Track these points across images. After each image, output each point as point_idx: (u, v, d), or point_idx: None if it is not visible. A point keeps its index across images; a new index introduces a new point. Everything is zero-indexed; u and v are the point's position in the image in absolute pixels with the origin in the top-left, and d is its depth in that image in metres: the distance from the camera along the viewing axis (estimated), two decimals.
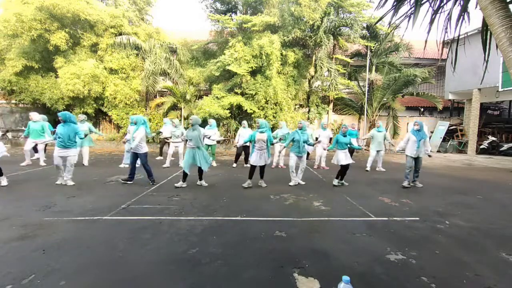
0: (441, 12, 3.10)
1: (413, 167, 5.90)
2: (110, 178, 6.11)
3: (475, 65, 10.78)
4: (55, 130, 5.59)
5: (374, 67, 13.68)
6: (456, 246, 3.07)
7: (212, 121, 8.19)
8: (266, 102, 11.95)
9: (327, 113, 14.49)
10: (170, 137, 7.77)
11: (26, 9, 10.83)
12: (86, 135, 6.99)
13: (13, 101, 13.27)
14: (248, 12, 13.10)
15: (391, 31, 11.77)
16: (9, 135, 8.02)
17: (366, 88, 13.49)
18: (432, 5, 3.12)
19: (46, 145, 8.06)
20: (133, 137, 5.49)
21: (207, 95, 12.60)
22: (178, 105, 13.10)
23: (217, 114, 11.25)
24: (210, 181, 5.86)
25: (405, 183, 5.90)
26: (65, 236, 3.09)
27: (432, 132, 15.04)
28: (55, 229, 3.28)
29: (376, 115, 13.92)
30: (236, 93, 12.08)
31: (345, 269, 2.50)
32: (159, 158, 8.92)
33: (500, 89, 11.47)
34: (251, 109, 11.63)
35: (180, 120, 12.94)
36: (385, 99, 13.46)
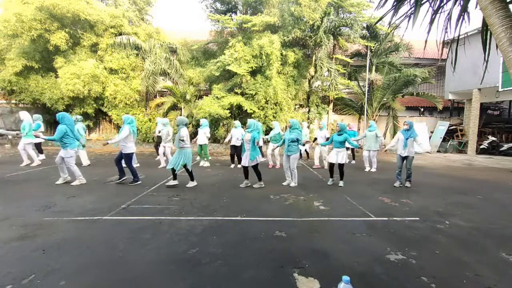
0: (441, 12, 3.10)
1: (401, 166, 5.90)
2: (110, 178, 6.11)
3: (475, 65, 10.78)
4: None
5: (374, 67, 13.69)
6: (456, 246, 3.06)
7: (202, 121, 8.19)
8: (266, 102, 11.95)
9: (327, 113, 14.50)
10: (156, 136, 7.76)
11: (26, 9, 10.84)
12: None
13: (13, 101, 13.29)
14: (248, 12, 13.10)
15: (391, 31, 11.77)
16: (9, 135, 8.00)
17: (366, 88, 13.49)
18: (432, 5, 3.12)
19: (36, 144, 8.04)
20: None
21: (207, 95, 12.61)
22: (178, 105, 13.11)
23: (217, 114, 11.25)
24: (210, 181, 5.86)
25: (396, 184, 5.94)
26: (65, 236, 3.09)
27: (432, 132, 15.04)
28: (55, 229, 3.28)
29: (376, 115, 13.92)
30: (236, 93, 12.09)
31: (345, 269, 2.50)
32: (158, 158, 8.92)
33: (500, 89, 11.46)
34: (251, 109, 11.63)
35: None
36: (385, 99, 13.46)
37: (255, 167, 5.49)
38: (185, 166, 5.44)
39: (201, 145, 7.91)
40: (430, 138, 14.87)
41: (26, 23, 10.80)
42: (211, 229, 3.39)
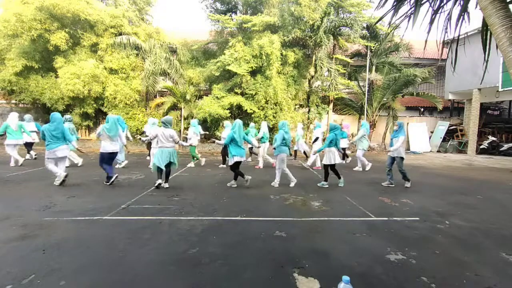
0: (441, 12, 3.10)
1: (390, 166, 5.91)
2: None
3: (475, 65, 10.77)
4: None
5: (374, 67, 13.69)
6: (456, 246, 3.06)
7: (192, 121, 8.21)
8: (266, 102, 11.95)
9: (327, 113, 14.49)
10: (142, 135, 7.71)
11: (26, 9, 10.84)
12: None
13: (13, 101, 13.29)
14: (248, 12, 13.11)
15: (391, 31, 11.77)
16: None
17: (366, 88, 13.49)
18: (432, 5, 3.12)
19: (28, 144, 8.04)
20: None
21: (207, 95, 12.61)
22: (178, 105, 13.10)
23: (217, 114, 11.26)
24: (210, 181, 5.86)
25: (384, 183, 6.00)
26: (65, 236, 3.09)
27: (432, 132, 15.05)
28: (55, 229, 3.28)
29: (376, 115, 13.93)
30: (236, 93, 12.09)
31: (345, 269, 2.50)
32: (148, 158, 8.86)
33: (500, 89, 11.46)
34: (251, 109, 11.63)
35: (180, 120, 12.96)
36: (385, 99, 13.46)
37: (231, 166, 5.51)
38: (169, 165, 5.38)
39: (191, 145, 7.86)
40: (430, 138, 14.88)
41: (26, 23, 10.80)
42: (211, 229, 3.39)
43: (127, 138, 7.91)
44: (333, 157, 5.68)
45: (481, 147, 13.31)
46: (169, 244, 2.94)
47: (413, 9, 3.11)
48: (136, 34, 12.79)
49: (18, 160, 7.41)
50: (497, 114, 16.69)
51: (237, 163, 5.49)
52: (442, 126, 14.57)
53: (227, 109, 11.52)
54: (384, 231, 3.42)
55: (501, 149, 13.11)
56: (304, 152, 9.30)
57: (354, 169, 7.97)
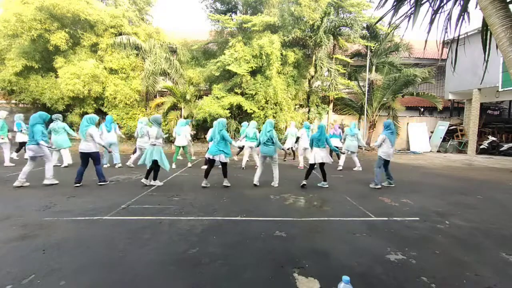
0: (441, 12, 3.10)
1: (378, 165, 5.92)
2: (110, 178, 6.11)
3: (475, 65, 10.78)
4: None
5: (374, 67, 13.69)
6: (456, 246, 3.06)
7: (180, 121, 8.26)
8: (266, 102, 11.95)
9: (327, 113, 14.50)
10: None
11: (26, 9, 10.83)
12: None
13: (13, 101, 13.28)
14: (248, 12, 13.10)
15: (391, 31, 11.78)
16: (9, 135, 8.00)
17: (366, 88, 13.49)
18: (432, 5, 3.12)
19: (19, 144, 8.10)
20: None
21: (207, 95, 12.61)
22: (178, 105, 13.10)
23: (217, 114, 11.25)
24: (210, 181, 5.84)
25: (384, 183, 6.00)
26: (65, 236, 3.09)
27: (432, 132, 15.05)
28: (55, 229, 3.28)
29: (376, 115, 13.92)
30: (236, 93, 12.08)
31: (345, 269, 2.50)
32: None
33: (500, 89, 11.46)
34: (251, 109, 11.63)
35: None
36: (385, 99, 13.46)
37: (223, 165, 5.53)
38: (156, 163, 5.43)
39: (179, 146, 7.84)
40: (430, 138, 14.88)
41: (26, 23, 10.80)
42: (211, 229, 3.39)
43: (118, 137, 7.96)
44: (317, 157, 5.58)
45: (481, 147, 13.31)
46: (169, 244, 2.94)
47: (413, 9, 3.11)
48: (136, 34, 12.79)
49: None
50: (497, 114, 16.69)
51: (210, 161, 5.47)
52: (442, 126, 14.57)
53: (227, 109, 11.52)
54: (384, 231, 3.42)
55: (501, 149, 13.11)
56: (293, 151, 9.33)
57: (354, 169, 7.97)
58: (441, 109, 14.03)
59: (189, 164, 8.04)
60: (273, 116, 12.13)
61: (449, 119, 15.72)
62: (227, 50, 11.63)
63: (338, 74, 13.22)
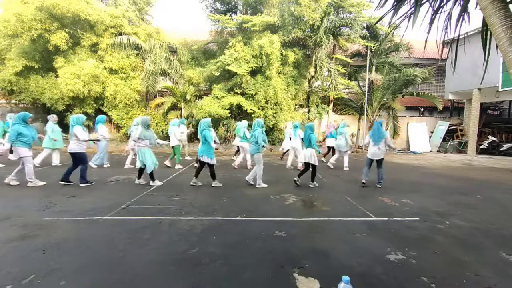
0: (441, 12, 3.10)
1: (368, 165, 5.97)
2: (110, 178, 6.11)
3: (475, 65, 10.77)
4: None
5: (374, 67, 13.68)
6: (456, 246, 3.06)
7: (172, 121, 8.26)
8: (266, 102, 11.94)
9: (327, 113, 14.50)
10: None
11: (26, 9, 10.84)
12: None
13: (13, 101, 13.28)
14: (248, 12, 13.10)
15: (391, 31, 11.77)
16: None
17: (366, 88, 13.48)
18: (432, 5, 3.12)
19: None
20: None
21: (207, 95, 12.61)
22: (178, 105, 13.11)
23: (217, 114, 11.25)
24: (210, 181, 5.84)
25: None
26: (65, 236, 3.09)
27: (432, 132, 15.05)
28: (55, 229, 3.28)
29: (376, 115, 13.92)
30: (236, 93, 12.08)
31: (345, 269, 2.50)
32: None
33: (500, 89, 11.46)
34: (251, 109, 11.63)
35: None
36: (385, 99, 13.45)
37: (210, 166, 5.54)
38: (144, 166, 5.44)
39: (173, 147, 7.78)
40: (430, 138, 14.88)
41: (26, 23, 10.80)
42: (211, 229, 3.39)
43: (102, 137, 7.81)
44: (311, 157, 5.59)
45: (481, 147, 13.31)
46: (169, 244, 2.94)
47: (413, 9, 3.11)
48: (136, 34, 12.80)
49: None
50: (497, 114, 16.69)
51: (201, 161, 5.49)
52: (442, 126, 14.57)
53: (227, 109, 11.51)
54: (384, 231, 3.42)
55: (501, 149, 13.11)
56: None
57: (344, 169, 7.86)
58: (441, 109, 14.02)
59: (178, 166, 7.75)
60: (273, 116, 12.13)
61: (449, 119, 15.72)
62: (227, 50, 11.63)
63: (338, 74, 13.22)
